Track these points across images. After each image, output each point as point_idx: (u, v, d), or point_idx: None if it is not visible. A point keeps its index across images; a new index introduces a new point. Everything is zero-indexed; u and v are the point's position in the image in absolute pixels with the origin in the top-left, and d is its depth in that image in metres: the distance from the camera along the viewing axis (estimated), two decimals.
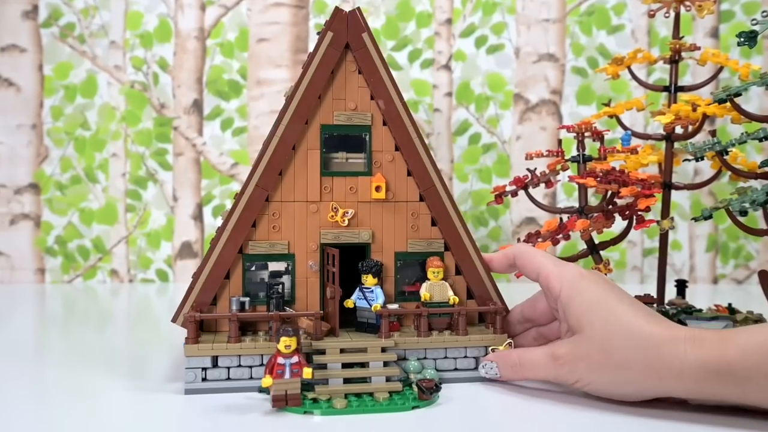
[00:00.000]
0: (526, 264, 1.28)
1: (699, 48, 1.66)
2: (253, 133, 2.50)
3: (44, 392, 1.26)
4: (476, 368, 1.28)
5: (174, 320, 1.27)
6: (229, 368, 1.21)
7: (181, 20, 2.48)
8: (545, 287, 1.24)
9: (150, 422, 1.09)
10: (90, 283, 2.47)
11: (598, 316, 1.13)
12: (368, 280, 1.29)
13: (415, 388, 1.16)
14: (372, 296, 1.28)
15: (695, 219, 1.55)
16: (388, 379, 1.20)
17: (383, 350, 1.23)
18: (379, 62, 1.31)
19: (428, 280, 1.31)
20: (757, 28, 1.42)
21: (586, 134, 1.59)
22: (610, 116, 1.71)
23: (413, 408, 1.13)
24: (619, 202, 1.56)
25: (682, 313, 1.54)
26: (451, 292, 1.31)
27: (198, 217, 2.51)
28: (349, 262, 1.32)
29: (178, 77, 2.48)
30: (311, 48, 2.49)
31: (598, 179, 1.49)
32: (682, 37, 1.64)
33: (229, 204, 2.50)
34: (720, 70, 1.67)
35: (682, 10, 1.64)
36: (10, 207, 2.45)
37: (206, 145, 2.50)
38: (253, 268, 1.31)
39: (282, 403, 1.09)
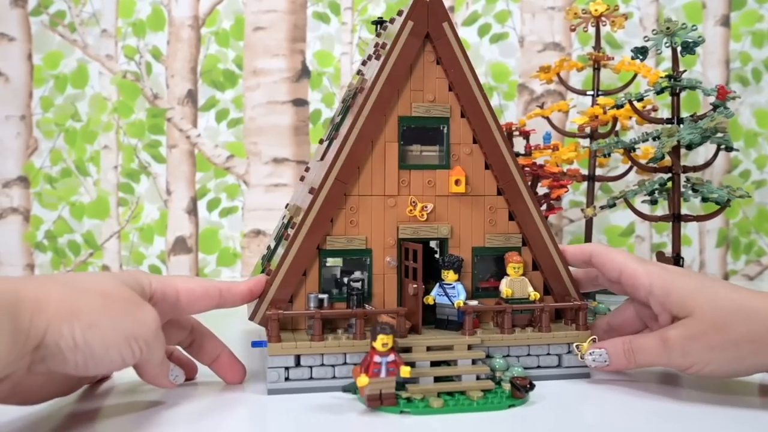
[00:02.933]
0: (605, 263, 1.25)
1: (613, 58, 1.90)
2: (248, 124, 2.43)
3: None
4: (559, 365, 1.25)
5: (251, 318, 1.23)
6: (311, 367, 1.17)
7: (174, 8, 2.41)
8: (630, 285, 1.22)
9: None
10: None
11: (704, 297, 1.13)
12: (449, 275, 1.25)
13: (507, 386, 1.13)
14: (453, 292, 1.25)
15: (602, 207, 1.73)
16: (478, 377, 1.17)
17: (469, 347, 1.20)
18: (459, 52, 1.27)
19: (507, 275, 1.28)
20: (648, 44, 1.65)
21: (515, 133, 1.86)
22: (544, 117, 1.94)
23: (509, 407, 1.10)
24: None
25: None
26: (531, 288, 1.28)
27: (192, 211, 2.43)
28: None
29: (172, 67, 2.41)
30: (309, 37, 2.44)
31: None
32: (602, 48, 1.90)
33: (225, 198, 2.43)
34: (635, 76, 1.87)
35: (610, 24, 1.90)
36: None
37: (201, 136, 2.43)
38: (327, 264, 1.28)
39: (377, 402, 1.07)
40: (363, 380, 1.05)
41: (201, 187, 2.43)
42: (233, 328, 1.55)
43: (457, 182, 1.28)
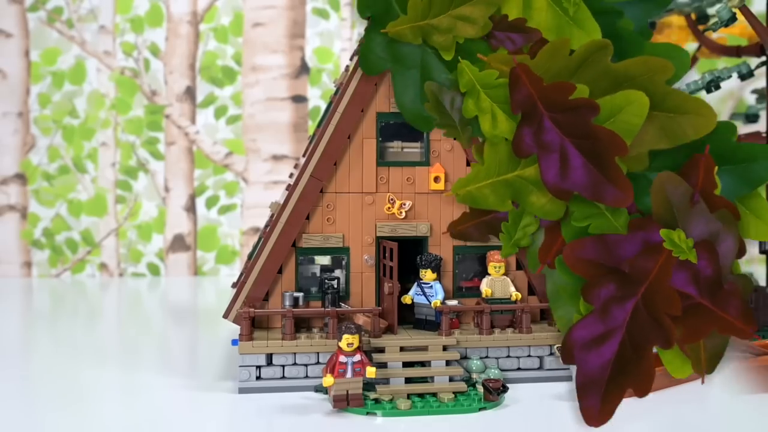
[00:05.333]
0: None
1: None
2: (247, 121, 2.41)
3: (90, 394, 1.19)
4: (540, 368, 1.22)
5: (225, 316, 1.22)
6: (284, 366, 1.16)
7: (173, 4, 2.39)
8: None
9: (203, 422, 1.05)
10: (78, 278, 2.39)
11: None
12: (427, 275, 1.23)
13: (480, 389, 1.11)
14: (431, 292, 1.23)
15: None
16: (451, 379, 1.15)
17: (445, 348, 1.18)
18: None
19: (488, 275, 1.25)
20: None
21: None
22: None
23: (480, 409, 1.08)
24: None
25: None
26: (513, 288, 1.25)
27: (191, 208, 2.42)
28: (401, 256, 1.25)
29: (170, 63, 2.40)
30: (308, 33, 2.43)
31: None
32: None
33: (223, 195, 2.42)
34: None
35: None
36: None
37: (199, 133, 2.41)
38: (305, 262, 1.26)
39: (343, 403, 1.06)
40: (328, 380, 1.04)
41: (199, 184, 2.42)
42: (229, 325, 1.54)
43: (436, 179, 1.26)
